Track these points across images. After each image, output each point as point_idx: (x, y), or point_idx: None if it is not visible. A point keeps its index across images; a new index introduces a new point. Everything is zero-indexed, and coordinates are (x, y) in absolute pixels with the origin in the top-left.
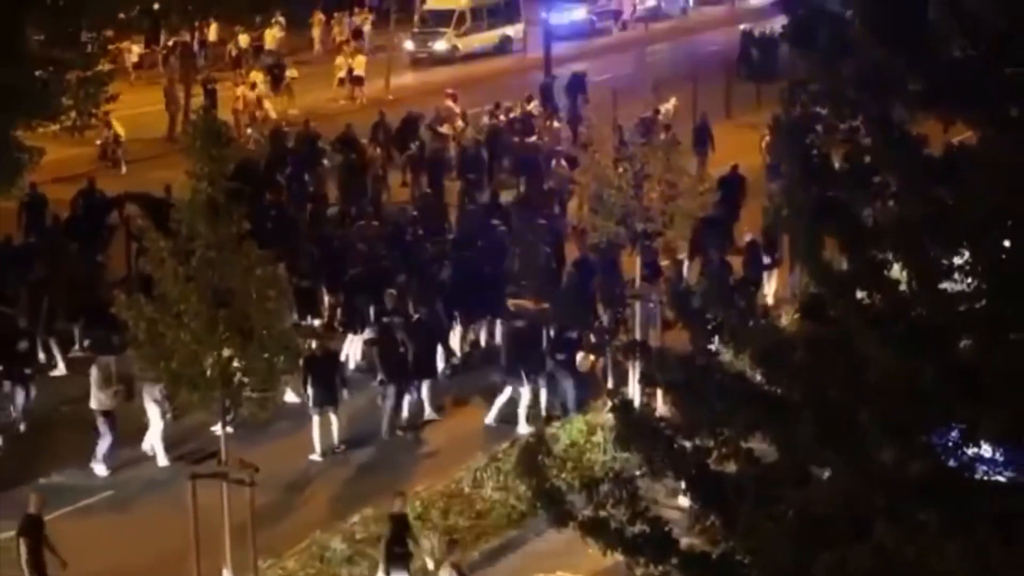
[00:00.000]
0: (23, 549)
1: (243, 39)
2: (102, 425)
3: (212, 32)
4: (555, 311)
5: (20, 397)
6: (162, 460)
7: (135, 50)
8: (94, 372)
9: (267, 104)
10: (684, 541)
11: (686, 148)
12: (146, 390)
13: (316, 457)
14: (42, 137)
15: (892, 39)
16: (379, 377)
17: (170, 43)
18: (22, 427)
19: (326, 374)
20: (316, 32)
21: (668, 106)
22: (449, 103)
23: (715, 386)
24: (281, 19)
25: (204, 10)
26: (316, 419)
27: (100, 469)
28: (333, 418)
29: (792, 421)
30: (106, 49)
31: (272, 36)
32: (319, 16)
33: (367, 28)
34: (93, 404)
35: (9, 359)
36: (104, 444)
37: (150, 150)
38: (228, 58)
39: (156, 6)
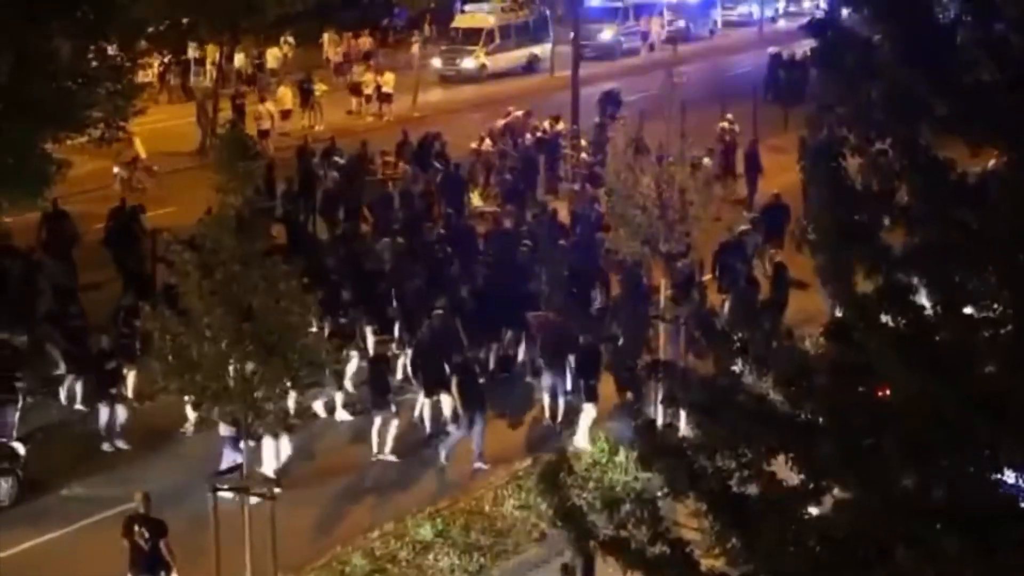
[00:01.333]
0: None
1: (239, 58)
2: (229, 448)
3: (212, 51)
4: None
5: (105, 415)
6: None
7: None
8: None
9: (266, 118)
10: (704, 562)
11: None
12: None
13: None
14: (69, 149)
15: (919, 62)
16: (456, 409)
17: (166, 60)
18: (121, 444)
19: (379, 380)
20: (331, 51)
21: (724, 124)
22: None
23: (738, 407)
24: (290, 39)
25: (232, 25)
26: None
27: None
28: (376, 423)
29: (814, 444)
30: (135, 62)
31: (274, 55)
32: (332, 35)
33: (415, 50)
34: (223, 431)
35: (99, 379)
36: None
37: (173, 163)
38: (243, 76)
39: (184, 21)
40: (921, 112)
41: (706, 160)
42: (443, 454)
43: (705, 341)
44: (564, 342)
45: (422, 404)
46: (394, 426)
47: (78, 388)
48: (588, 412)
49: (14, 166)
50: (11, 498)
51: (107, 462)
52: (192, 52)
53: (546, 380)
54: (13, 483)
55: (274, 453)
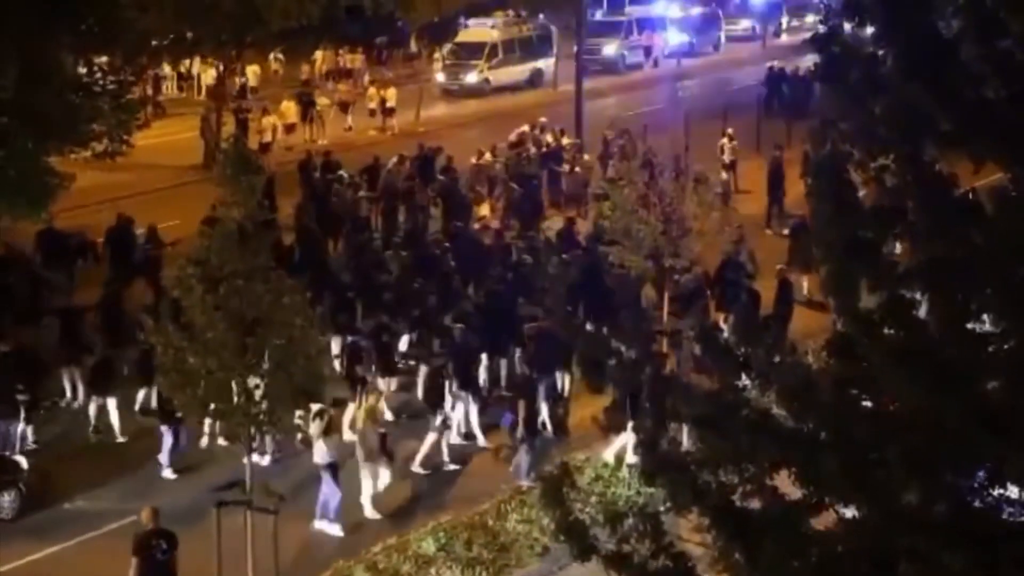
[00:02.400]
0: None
1: (210, 73)
2: (328, 480)
3: (197, 65)
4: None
5: (171, 440)
6: (370, 512)
7: None
8: (316, 423)
9: (268, 131)
10: None
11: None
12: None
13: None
14: (73, 163)
15: (924, 78)
16: (518, 431)
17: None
18: (170, 474)
19: (433, 392)
20: (307, 67)
21: (723, 141)
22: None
23: (741, 422)
24: (280, 55)
25: (237, 39)
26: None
27: (335, 529)
28: (430, 437)
29: (817, 458)
30: (139, 76)
31: (253, 72)
32: (326, 52)
33: (438, 65)
34: (316, 458)
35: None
36: (334, 500)
37: (177, 177)
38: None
39: (189, 35)
40: (925, 127)
41: (723, 176)
42: (525, 473)
43: (708, 355)
44: (558, 352)
45: (465, 413)
46: (431, 440)
47: (93, 408)
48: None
49: (17, 179)
50: (14, 511)
51: (110, 475)
52: (167, 67)
53: (540, 389)
54: (16, 496)
55: (372, 482)
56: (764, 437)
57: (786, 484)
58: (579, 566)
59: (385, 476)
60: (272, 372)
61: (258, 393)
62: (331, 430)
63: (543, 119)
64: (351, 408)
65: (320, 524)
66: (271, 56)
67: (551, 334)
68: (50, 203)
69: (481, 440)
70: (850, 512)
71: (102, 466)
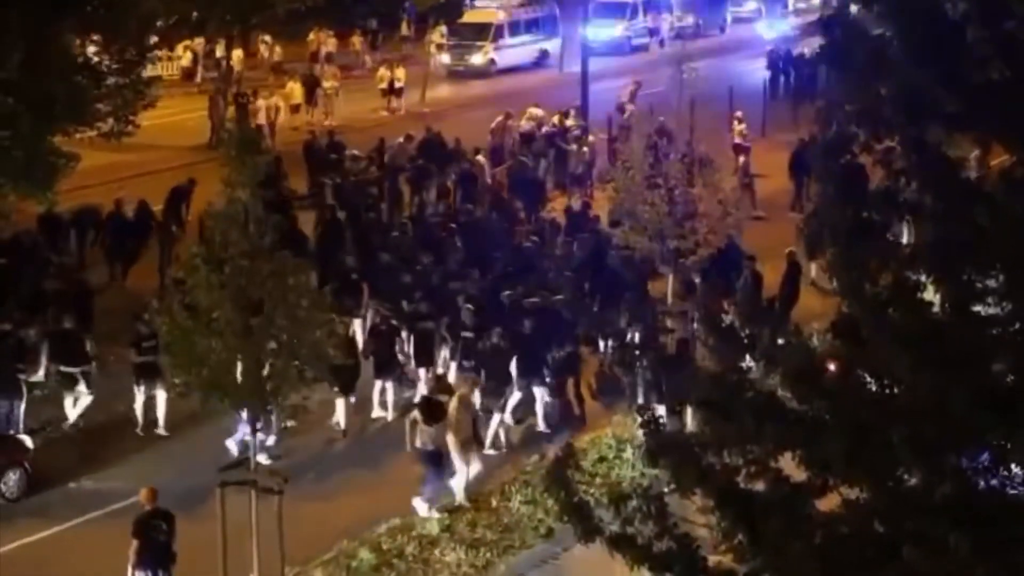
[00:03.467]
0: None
1: (186, 57)
2: (429, 468)
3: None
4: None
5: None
6: (460, 495)
7: None
8: (415, 413)
9: (271, 111)
10: (711, 559)
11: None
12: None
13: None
14: (78, 143)
15: (929, 60)
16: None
17: None
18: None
19: (495, 372)
20: (316, 50)
21: (735, 125)
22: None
23: (746, 404)
24: (267, 38)
25: (242, 20)
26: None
27: (423, 509)
28: (495, 419)
29: (822, 440)
30: (144, 56)
31: (238, 57)
32: (321, 34)
33: (433, 49)
34: (418, 443)
35: None
36: (430, 488)
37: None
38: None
39: (195, 15)
40: (931, 109)
41: (741, 159)
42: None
43: (712, 337)
44: (559, 330)
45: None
46: (496, 421)
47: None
48: None
49: (24, 160)
50: (19, 491)
51: (115, 455)
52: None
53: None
54: (21, 476)
55: (464, 468)
56: (769, 419)
57: (790, 466)
58: (583, 547)
59: (476, 463)
60: (278, 352)
61: (263, 373)
62: (439, 417)
63: (577, 103)
64: (377, 389)
65: (415, 502)
66: (259, 40)
67: (551, 311)
68: (55, 184)
69: (542, 426)
70: (854, 494)
71: (107, 445)
